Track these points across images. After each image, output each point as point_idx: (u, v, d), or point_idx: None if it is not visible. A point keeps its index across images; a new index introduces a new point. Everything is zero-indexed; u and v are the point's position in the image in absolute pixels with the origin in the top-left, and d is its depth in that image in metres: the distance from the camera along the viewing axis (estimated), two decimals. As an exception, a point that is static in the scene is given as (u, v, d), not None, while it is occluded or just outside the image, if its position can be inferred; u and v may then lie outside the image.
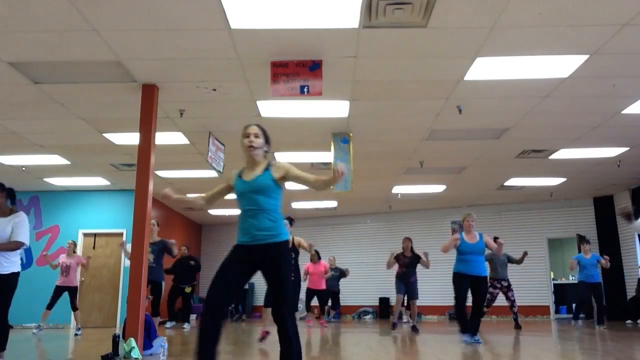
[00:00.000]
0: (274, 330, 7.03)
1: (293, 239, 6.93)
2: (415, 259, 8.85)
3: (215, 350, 2.94)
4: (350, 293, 14.23)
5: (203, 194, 3.51)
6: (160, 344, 5.23)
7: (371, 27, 4.61)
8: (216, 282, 3.04)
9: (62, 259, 9.22)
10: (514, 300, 9.57)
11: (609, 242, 12.27)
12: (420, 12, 4.36)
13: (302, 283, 8.81)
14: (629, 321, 10.87)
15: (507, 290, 9.57)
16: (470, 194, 12.19)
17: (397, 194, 11.88)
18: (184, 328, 10.20)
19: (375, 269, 13.56)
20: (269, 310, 6.89)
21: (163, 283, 8.04)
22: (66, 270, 9.09)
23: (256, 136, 3.26)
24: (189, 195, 3.61)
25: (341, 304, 14.26)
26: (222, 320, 2.98)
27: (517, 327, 9.43)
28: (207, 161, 7.07)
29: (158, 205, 12.13)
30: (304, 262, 7.16)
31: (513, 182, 10.92)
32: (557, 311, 13.09)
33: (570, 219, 12.99)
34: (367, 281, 14.03)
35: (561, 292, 13.64)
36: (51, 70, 5.46)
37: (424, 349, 6.17)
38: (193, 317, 12.26)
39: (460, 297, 6.64)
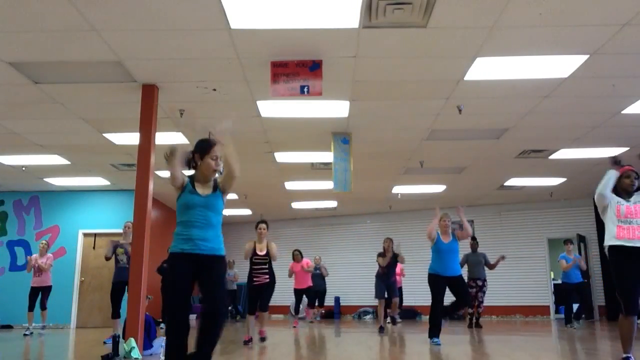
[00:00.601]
0: (257, 336, 6.90)
1: (268, 243, 6.81)
2: (395, 258, 8.86)
3: None
4: (350, 293, 14.21)
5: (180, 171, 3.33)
6: (160, 344, 5.24)
7: (371, 27, 4.61)
8: (175, 304, 3.16)
9: (35, 259, 9.19)
10: (482, 302, 9.61)
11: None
12: (420, 12, 4.36)
13: (288, 284, 8.64)
14: None
15: (479, 290, 9.60)
16: (470, 194, 12.18)
17: (397, 194, 11.87)
18: None
19: (375, 269, 13.50)
20: (252, 317, 6.90)
21: None
22: (38, 270, 9.08)
23: (220, 159, 3.29)
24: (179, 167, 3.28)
25: (341, 304, 14.26)
26: (187, 335, 3.16)
27: (477, 326, 9.48)
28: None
29: (158, 205, 12.12)
30: (282, 265, 6.80)
31: (513, 182, 10.92)
32: (557, 311, 13.07)
33: (570, 219, 12.98)
34: (367, 281, 13.91)
35: (561, 292, 13.61)
36: (51, 70, 5.46)
37: (424, 348, 6.17)
38: (193, 316, 12.24)
39: (436, 298, 6.59)
